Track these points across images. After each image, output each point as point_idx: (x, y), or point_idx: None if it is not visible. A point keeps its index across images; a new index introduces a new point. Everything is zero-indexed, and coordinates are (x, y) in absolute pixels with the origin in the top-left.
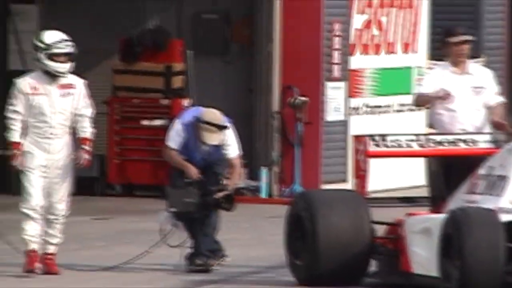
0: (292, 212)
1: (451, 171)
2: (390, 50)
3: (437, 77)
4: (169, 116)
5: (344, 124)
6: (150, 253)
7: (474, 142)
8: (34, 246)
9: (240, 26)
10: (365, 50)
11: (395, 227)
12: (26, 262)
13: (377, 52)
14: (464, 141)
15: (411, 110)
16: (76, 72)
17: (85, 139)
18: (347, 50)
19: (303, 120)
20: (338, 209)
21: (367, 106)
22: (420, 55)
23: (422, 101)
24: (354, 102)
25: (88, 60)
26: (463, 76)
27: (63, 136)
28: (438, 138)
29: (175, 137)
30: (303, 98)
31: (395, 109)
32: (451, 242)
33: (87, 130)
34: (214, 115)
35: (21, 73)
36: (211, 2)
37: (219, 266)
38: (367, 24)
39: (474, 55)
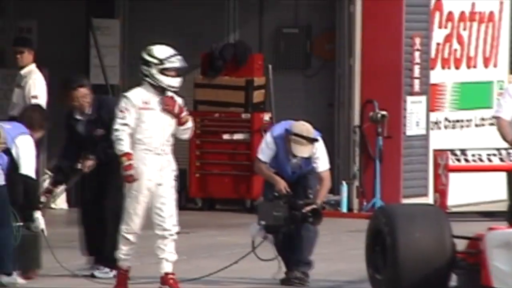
0: (373, 226)
1: None
2: (471, 64)
3: None
4: (249, 130)
5: (424, 138)
6: (235, 263)
7: None
8: (128, 264)
9: (321, 41)
10: (445, 64)
11: (475, 241)
12: (118, 281)
13: (457, 66)
14: None
15: (492, 124)
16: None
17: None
18: (428, 64)
19: (384, 135)
20: (419, 224)
21: (448, 120)
22: (501, 69)
23: (502, 134)
24: (435, 116)
25: None
26: None
27: (170, 152)
28: None
29: (265, 150)
30: (384, 113)
31: (476, 123)
32: None
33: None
34: (304, 127)
35: (102, 87)
36: (293, 16)
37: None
38: (448, 38)
39: None
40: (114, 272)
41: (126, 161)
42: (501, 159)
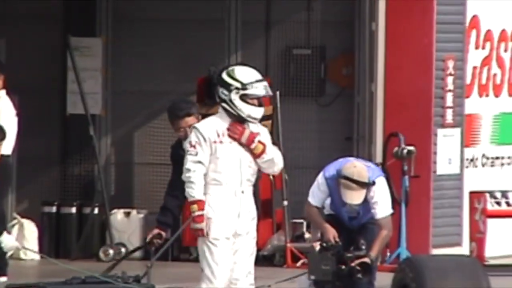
0: (398, 281)
1: None
2: None
3: None
4: None
5: (458, 178)
6: None
7: None
8: None
9: (337, 64)
10: (483, 91)
11: None
12: None
13: (497, 94)
14: None
15: None
16: (148, 115)
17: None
18: (462, 92)
19: (410, 173)
20: (452, 279)
21: (486, 157)
22: None
23: None
24: (470, 152)
25: (162, 103)
26: None
27: (251, 194)
28: None
29: (316, 193)
30: (411, 148)
31: None
32: None
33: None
34: (356, 169)
35: (82, 117)
36: (304, 35)
37: None
38: (486, 61)
39: None
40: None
41: (197, 210)
42: None
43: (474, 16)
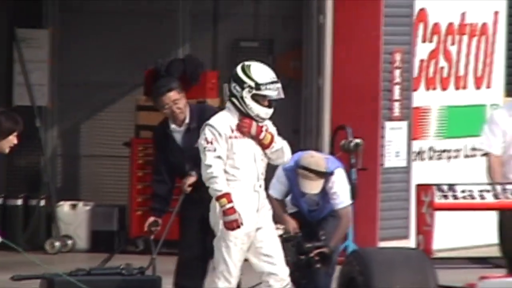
0: (345, 274)
1: None
2: (460, 85)
3: (501, 124)
4: None
5: (405, 171)
6: None
7: None
8: None
9: (285, 57)
10: (430, 84)
11: None
12: None
13: (445, 87)
14: None
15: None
16: (95, 108)
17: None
18: (410, 85)
19: (358, 166)
20: (399, 272)
21: (433, 150)
22: (495, 91)
23: (490, 177)
24: (418, 145)
25: (109, 95)
26: None
27: (264, 189)
28: None
29: (276, 185)
30: (358, 141)
31: (466, 153)
32: None
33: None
34: (313, 159)
35: (28, 109)
36: (252, 28)
37: None
38: (433, 55)
39: None
40: None
41: (227, 203)
42: (496, 196)
43: (422, 9)
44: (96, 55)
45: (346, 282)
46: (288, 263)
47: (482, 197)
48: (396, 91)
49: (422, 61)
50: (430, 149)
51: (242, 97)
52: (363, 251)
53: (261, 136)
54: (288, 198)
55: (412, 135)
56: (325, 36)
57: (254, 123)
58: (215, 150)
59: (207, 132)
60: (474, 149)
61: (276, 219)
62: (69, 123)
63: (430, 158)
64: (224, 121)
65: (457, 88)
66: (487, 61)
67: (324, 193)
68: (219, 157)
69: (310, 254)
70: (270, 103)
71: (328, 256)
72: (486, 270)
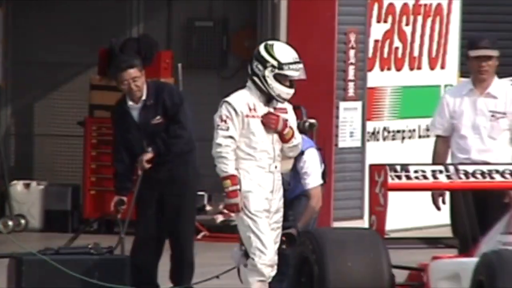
0: (299, 254)
1: (484, 207)
2: (415, 66)
3: (451, 105)
4: None
5: (360, 151)
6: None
7: None
8: None
9: (239, 36)
10: (385, 65)
11: (418, 272)
12: None
13: (399, 67)
14: (501, 173)
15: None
16: (48, 87)
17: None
18: (364, 65)
19: None
20: (352, 251)
21: (387, 131)
22: (449, 72)
23: (433, 159)
24: (372, 125)
25: (63, 74)
26: (482, 98)
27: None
28: (470, 169)
29: None
30: (312, 121)
31: (420, 134)
32: None
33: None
34: None
35: None
36: (207, 7)
37: None
38: (388, 35)
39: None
40: None
41: (231, 185)
42: (449, 177)
43: None
44: (49, 35)
45: (300, 262)
46: None
47: (435, 177)
48: (351, 72)
49: (376, 41)
50: (385, 129)
51: (264, 76)
52: (316, 231)
53: (285, 132)
54: None
55: (367, 116)
56: (279, 16)
57: (281, 119)
58: (227, 129)
59: (223, 109)
60: (428, 129)
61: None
62: (22, 102)
63: (385, 138)
64: (242, 99)
65: (411, 68)
66: (442, 41)
67: (295, 173)
68: (230, 137)
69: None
70: (291, 83)
71: (295, 237)
72: (438, 251)
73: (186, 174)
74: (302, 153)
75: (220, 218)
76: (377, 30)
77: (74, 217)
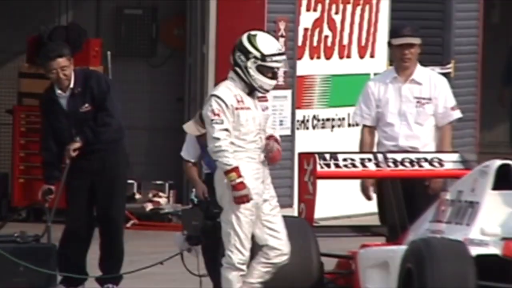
0: None
1: (412, 195)
2: (344, 54)
3: (375, 93)
4: None
5: (289, 139)
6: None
7: (440, 162)
8: None
9: (169, 25)
10: (314, 53)
11: (347, 260)
12: None
13: (328, 56)
14: (430, 161)
15: None
16: None
17: (273, 136)
18: (294, 54)
19: None
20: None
21: (317, 119)
22: (379, 60)
23: (359, 148)
24: (301, 114)
25: None
26: (406, 85)
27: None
28: (399, 157)
29: (187, 146)
30: None
31: (350, 122)
32: (412, 278)
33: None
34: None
35: None
36: None
37: None
38: (317, 23)
39: (442, 61)
40: None
41: (237, 178)
42: (377, 165)
43: None
44: None
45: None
46: (195, 227)
47: (364, 166)
48: None
49: (306, 30)
50: (314, 117)
51: (246, 67)
52: None
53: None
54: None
55: (296, 104)
56: (209, 4)
57: (279, 152)
58: (222, 122)
59: (213, 104)
60: None
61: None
62: None
63: (314, 127)
64: (230, 91)
65: (341, 57)
66: (371, 30)
67: None
68: (226, 129)
69: (217, 219)
70: (274, 74)
71: None
72: (366, 239)
73: (117, 162)
74: None
75: (149, 207)
76: (306, 19)
77: (3, 205)
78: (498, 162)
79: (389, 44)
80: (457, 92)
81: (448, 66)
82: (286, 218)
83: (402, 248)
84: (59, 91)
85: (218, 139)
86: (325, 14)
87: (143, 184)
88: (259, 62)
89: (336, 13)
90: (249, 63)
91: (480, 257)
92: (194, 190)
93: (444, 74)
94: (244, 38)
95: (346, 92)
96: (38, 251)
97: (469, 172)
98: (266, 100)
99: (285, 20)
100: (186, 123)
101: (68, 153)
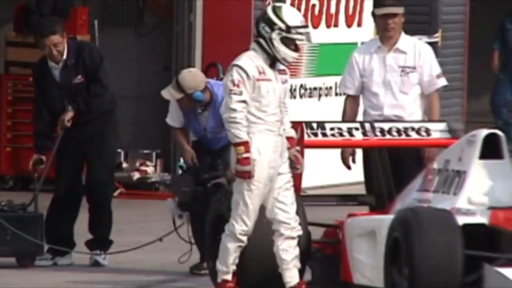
0: (215, 211)
1: (398, 164)
2: (331, 23)
3: (360, 63)
4: None
5: None
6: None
7: (427, 131)
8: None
9: None
10: None
11: (334, 229)
12: None
13: (315, 25)
14: (417, 130)
15: None
16: None
17: (292, 139)
18: None
19: None
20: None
21: (304, 88)
22: (366, 29)
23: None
24: (289, 83)
25: None
26: (391, 54)
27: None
28: (386, 126)
29: (171, 112)
30: None
31: (337, 91)
32: (399, 247)
33: (290, 129)
34: (190, 73)
35: None
36: None
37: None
38: None
39: (430, 30)
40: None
41: (244, 152)
42: (365, 134)
43: None
44: None
45: (216, 219)
46: (186, 193)
47: (351, 135)
48: None
49: None
50: (302, 86)
51: (270, 39)
52: (231, 188)
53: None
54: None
55: None
56: None
57: (303, 161)
58: (241, 93)
59: (234, 74)
60: None
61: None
62: None
63: (302, 96)
64: (252, 62)
65: (328, 26)
66: None
67: (217, 118)
68: (244, 101)
69: (208, 184)
70: (296, 46)
71: (225, 186)
72: (354, 208)
73: (108, 132)
74: (223, 98)
75: (136, 175)
76: None
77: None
78: (485, 132)
79: (373, 14)
80: (444, 61)
81: (436, 35)
82: None
83: (389, 217)
84: (52, 63)
85: (234, 110)
86: None
87: (130, 153)
88: (284, 34)
89: None
90: (274, 34)
91: (467, 226)
92: (182, 157)
93: (431, 43)
94: (269, 10)
95: (333, 61)
96: (25, 220)
97: (456, 141)
98: (286, 74)
99: None
100: (163, 89)
101: (62, 123)
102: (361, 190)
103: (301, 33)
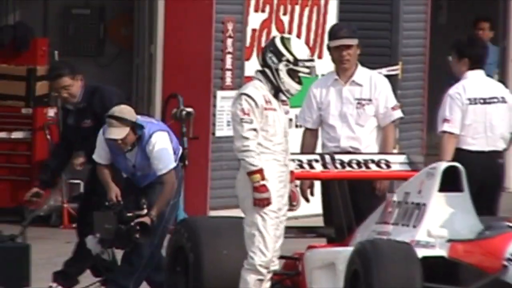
0: (174, 243)
1: (359, 196)
2: None
3: (317, 96)
4: (31, 128)
5: None
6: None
7: (387, 163)
8: None
9: (116, 24)
10: None
11: (293, 261)
12: None
13: None
14: (377, 162)
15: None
16: None
17: (292, 172)
18: (242, 54)
19: (189, 135)
20: (227, 239)
21: None
22: (327, 62)
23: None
24: None
25: None
26: (347, 87)
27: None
28: (346, 158)
29: (98, 149)
30: (189, 109)
31: (297, 123)
32: (358, 280)
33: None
34: (117, 108)
35: None
36: None
37: None
38: (266, 24)
39: (390, 62)
40: None
41: (261, 180)
42: (324, 166)
43: None
44: None
45: (175, 251)
46: (108, 230)
47: (311, 167)
48: (228, 60)
49: (254, 30)
50: None
51: (277, 70)
52: (191, 219)
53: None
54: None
55: None
56: (157, 4)
57: (300, 197)
58: (251, 122)
59: (243, 102)
60: None
61: (103, 184)
62: None
63: None
64: (259, 91)
65: None
66: (319, 31)
67: (144, 157)
68: (255, 129)
69: (131, 223)
70: (299, 79)
71: (148, 226)
72: (313, 240)
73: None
74: (150, 136)
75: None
76: (254, 19)
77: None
78: (444, 164)
79: (328, 48)
80: (404, 94)
81: (396, 67)
82: (232, 219)
83: (348, 249)
84: (69, 106)
85: (246, 138)
86: (273, 15)
87: None
88: (291, 66)
89: (284, 14)
90: (281, 66)
91: (426, 258)
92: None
93: (391, 76)
94: (278, 40)
95: None
96: (13, 251)
97: (416, 173)
98: (287, 104)
99: (233, 20)
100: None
101: (71, 167)
102: (319, 222)
103: (307, 67)
